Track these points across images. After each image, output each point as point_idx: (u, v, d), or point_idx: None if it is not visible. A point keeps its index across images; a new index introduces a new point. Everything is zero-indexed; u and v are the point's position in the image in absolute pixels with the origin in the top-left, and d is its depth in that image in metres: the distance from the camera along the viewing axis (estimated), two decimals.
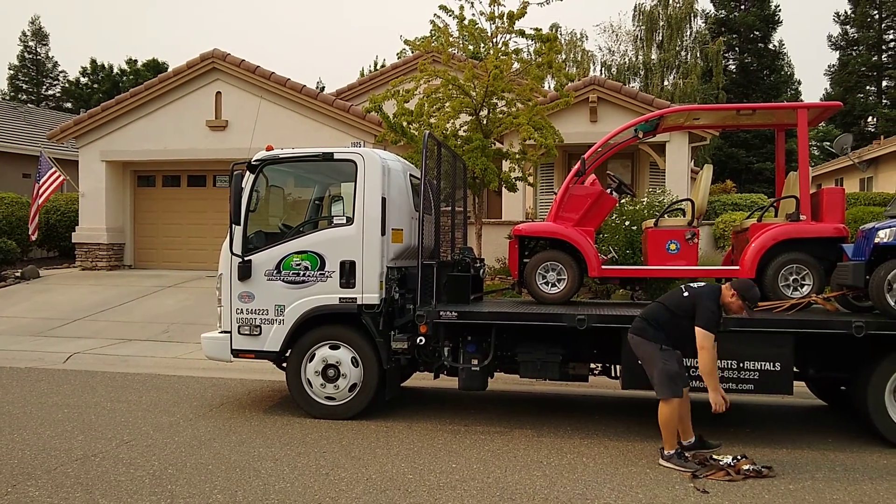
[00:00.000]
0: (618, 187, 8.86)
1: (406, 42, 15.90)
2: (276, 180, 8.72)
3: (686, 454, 6.39)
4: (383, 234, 7.88)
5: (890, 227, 7.04)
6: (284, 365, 8.20)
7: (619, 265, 9.59)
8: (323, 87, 36.48)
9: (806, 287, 7.92)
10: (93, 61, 51.75)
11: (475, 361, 7.74)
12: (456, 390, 8.09)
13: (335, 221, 8.09)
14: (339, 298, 7.85)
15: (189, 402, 8.70)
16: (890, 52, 47.52)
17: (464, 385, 7.82)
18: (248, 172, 8.14)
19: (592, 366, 8.16)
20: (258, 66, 18.40)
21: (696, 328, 6.19)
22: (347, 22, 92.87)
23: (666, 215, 9.05)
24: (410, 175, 8.66)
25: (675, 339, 6.42)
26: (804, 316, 7.38)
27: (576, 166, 8.53)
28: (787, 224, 8.12)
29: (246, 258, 8.03)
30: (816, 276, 7.90)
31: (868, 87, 47.86)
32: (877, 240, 7.05)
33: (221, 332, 8.20)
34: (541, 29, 13.67)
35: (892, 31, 47.63)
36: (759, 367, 7.09)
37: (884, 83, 46.96)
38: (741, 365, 7.08)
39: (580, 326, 7.24)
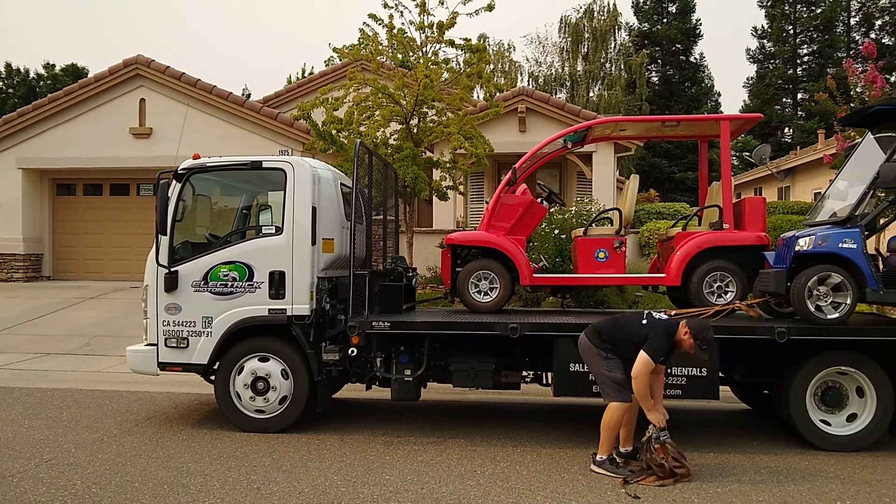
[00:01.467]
0: (548, 196, 8.95)
1: (335, 50, 15.76)
2: (204, 189, 8.54)
3: (618, 460, 6.46)
4: (314, 243, 7.79)
5: (809, 235, 7.27)
6: (213, 378, 8.02)
7: (549, 273, 9.69)
8: (249, 95, 35.96)
9: (730, 294, 8.12)
10: (7, 65, 49.99)
11: (408, 372, 7.69)
12: (389, 401, 8.03)
13: (264, 231, 7.96)
14: (269, 310, 7.72)
15: (113, 418, 8.43)
16: (805, 66, 49.36)
17: (396, 396, 7.77)
18: (174, 181, 7.96)
19: (524, 373, 8.20)
20: (183, 73, 18.07)
21: (641, 351, 6.21)
22: (272, 29, 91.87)
23: (594, 224, 9.18)
24: (341, 184, 8.59)
25: (621, 357, 6.45)
26: (729, 322, 7.56)
27: (507, 176, 8.58)
28: (710, 233, 8.31)
29: (172, 269, 7.84)
30: (739, 283, 8.11)
31: (784, 100, 49.61)
32: (797, 248, 7.27)
33: (147, 345, 7.98)
34: (470, 39, 13.79)
35: (806, 46, 49.50)
36: (686, 374, 7.23)
37: (799, 96, 48.73)
38: (669, 371, 7.19)
39: (513, 335, 7.28)
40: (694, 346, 6.30)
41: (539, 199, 8.82)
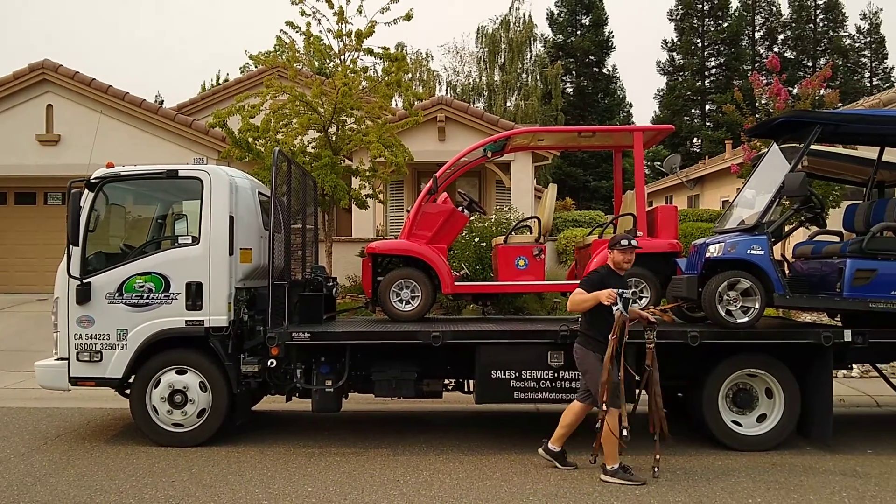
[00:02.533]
0: (468, 205, 9.03)
1: (251, 57, 15.61)
2: (118, 199, 8.29)
3: (631, 468, 6.45)
4: (231, 253, 7.66)
5: (719, 242, 7.53)
6: (128, 392, 7.79)
7: (470, 281, 9.76)
8: (163, 102, 35.09)
9: (644, 300, 8.34)
10: None
11: (329, 382, 7.63)
12: (310, 412, 7.93)
13: (180, 241, 7.79)
14: (186, 321, 7.55)
15: (20, 436, 8.10)
16: (712, 78, 51.14)
17: (317, 407, 7.69)
18: (86, 190, 7.72)
19: (446, 382, 8.22)
20: (94, 79, 17.53)
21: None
22: (187, 34, 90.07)
23: (514, 232, 9.30)
24: (259, 192, 8.47)
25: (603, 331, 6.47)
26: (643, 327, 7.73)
27: (428, 184, 8.63)
28: None
29: (85, 280, 7.59)
30: (653, 288, 8.34)
31: (693, 111, 51.30)
32: (708, 254, 7.52)
33: (58, 360, 7.70)
34: (388, 48, 13.79)
35: (714, 59, 51.34)
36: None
37: (707, 107, 50.45)
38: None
39: (435, 343, 7.29)
40: (621, 252, 6.50)
41: (460, 208, 8.89)
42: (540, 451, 6.75)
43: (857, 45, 50.99)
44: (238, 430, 8.04)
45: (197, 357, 7.64)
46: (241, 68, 35.67)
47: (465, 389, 8.29)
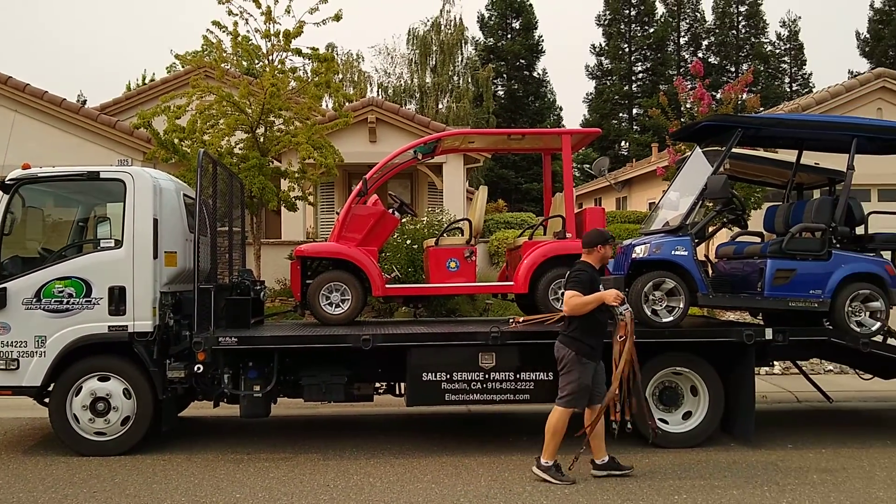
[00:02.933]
0: (399, 207, 8.99)
1: (177, 56, 15.29)
2: (35, 201, 8.03)
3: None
4: (155, 257, 7.47)
5: (644, 243, 7.67)
6: (47, 401, 7.53)
7: (402, 284, 9.73)
8: (85, 101, 34.14)
9: None
10: None
11: (257, 387, 7.50)
12: (238, 418, 7.79)
13: (102, 245, 7.57)
14: (109, 327, 7.35)
15: None
16: (639, 83, 52.15)
17: (246, 412, 7.56)
18: (1, 192, 7.45)
19: (377, 385, 8.18)
20: (10, 77, 16.90)
21: (564, 294, 6.39)
22: (111, 32, 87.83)
23: (445, 234, 9.30)
24: (184, 195, 8.29)
25: (596, 336, 6.49)
26: None
27: (357, 186, 8.57)
28: (555, 241, 8.59)
29: (0, 286, 7.32)
30: None
31: (621, 114, 52.21)
32: (634, 255, 7.65)
33: None
34: (317, 49, 13.65)
35: (640, 63, 52.33)
36: (534, 378, 7.42)
37: (634, 111, 51.41)
38: (518, 376, 7.38)
39: (365, 347, 7.24)
40: (601, 251, 6.56)
41: (391, 210, 8.85)
42: (533, 469, 6.53)
43: (777, 51, 52.66)
44: (164, 437, 7.85)
45: (120, 363, 7.43)
46: (167, 68, 34.96)
47: (397, 392, 8.26)
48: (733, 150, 7.86)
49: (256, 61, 14.11)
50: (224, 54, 13.93)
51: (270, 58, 13.57)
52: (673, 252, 7.45)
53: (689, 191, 8.10)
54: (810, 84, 50.85)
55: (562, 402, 6.41)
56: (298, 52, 13.37)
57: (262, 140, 13.36)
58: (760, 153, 10.19)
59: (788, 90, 50.68)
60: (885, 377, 8.89)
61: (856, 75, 20.50)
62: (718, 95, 14.68)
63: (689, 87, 14.46)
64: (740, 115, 11.62)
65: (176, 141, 12.77)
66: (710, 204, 8.23)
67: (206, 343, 7.25)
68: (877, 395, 10.08)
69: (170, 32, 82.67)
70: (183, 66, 19.63)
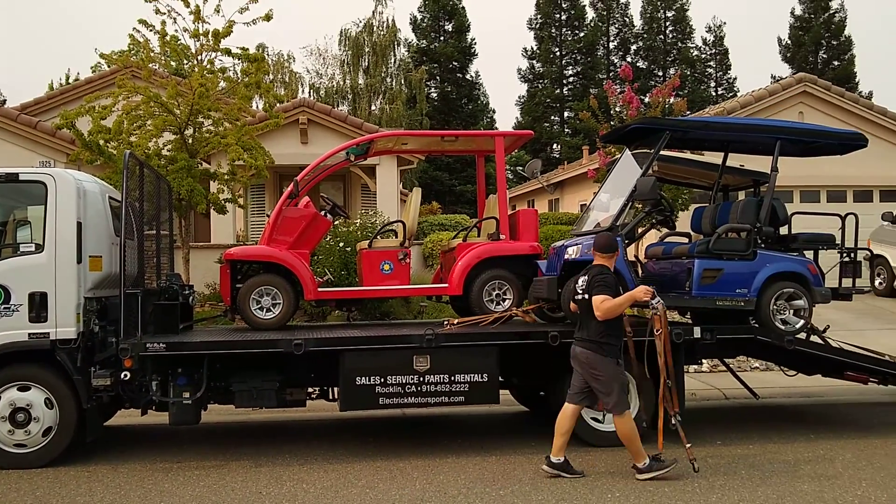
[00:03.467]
0: (331, 209, 8.91)
1: (102, 56, 14.83)
2: None
3: (660, 455, 6.48)
4: (79, 261, 7.23)
5: (577, 244, 7.74)
6: None
7: (335, 287, 9.63)
8: (5, 101, 33.02)
9: (507, 301, 8.49)
10: None
11: (187, 394, 7.31)
12: (167, 426, 7.59)
13: (22, 249, 7.29)
14: (29, 334, 7.08)
15: None
16: (570, 86, 52.82)
17: (175, 420, 7.37)
18: None
19: (310, 390, 8.07)
20: None
21: (593, 299, 6.31)
22: (32, 29, 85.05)
23: (379, 237, 9.25)
24: (110, 197, 8.04)
25: (620, 335, 6.59)
26: (507, 328, 7.88)
27: (289, 188, 8.45)
28: (489, 243, 8.63)
29: None
30: (515, 290, 8.51)
31: (553, 117, 52.79)
32: (567, 256, 7.72)
33: None
34: (247, 49, 13.42)
35: (571, 67, 53.00)
36: (468, 380, 7.40)
37: (566, 114, 52.04)
38: (452, 378, 7.36)
39: (297, 351, 7.12)
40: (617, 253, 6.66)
41: (322, 212, 8.76)
42: (543, 467, 6.54)
43: (703, 56, 53.95)
44: (89, 447, 7.59)
45: (42, 372, 7.16)
46: (92, 67, 34.01)
47: (331, 397, 8.16)
48: (662, 152, 7.99)
49: (185, 61, 13.81)
50: (151, 54, 13.61)
51: (199, 58, 13.30)
52: None
53: (619, 192, 8.20)
54: (735, 88, 52.25)
55: (618, 409, 6.46)
56: (228, 52, 13.13)
57: (190, 141, 13.10)
58: (688, 155, 10.40)
59: (714, 94, 51.97)
60: (809, 373, 9.17)
61: (778, 80, 21.17)
62: (647, 99, 14.94)
63: (618, 90, 14.68)
64: (668, 118, 11.83)
65: (101, 142, 12.41)
66: (640, 205, 8.36)
67: (132, 349, 7.03)
68: (800, 391, 10.40)
69: (95, 30, 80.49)
70: (108, 66, 19.10)
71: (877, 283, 16.00)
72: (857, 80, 46.05)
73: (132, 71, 14.84)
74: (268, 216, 8.99)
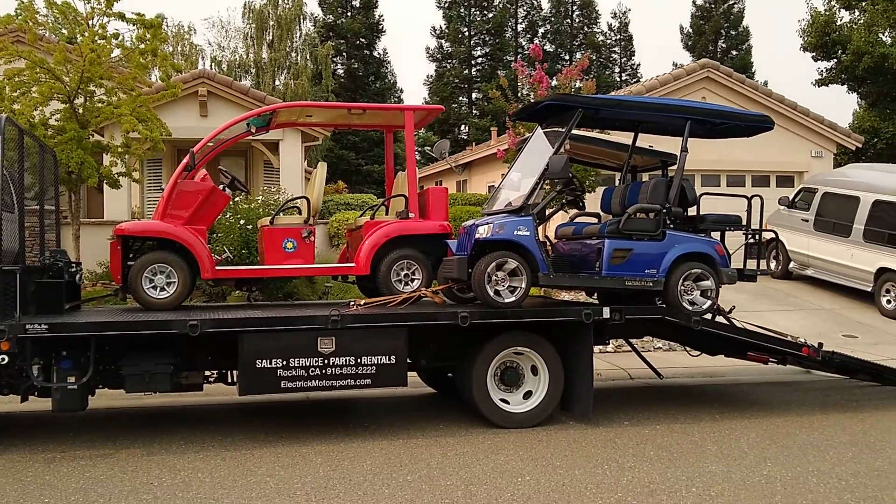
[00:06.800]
0: (231, 183, 8.48)
1: None
2: None
3: None
4: None
5: (488, 223, 7.56)
6: None
7: (234, 265, 9.21)
8: None
9: (416, 281, 8.28)
10: None
11: (72, 379, 6.78)
12: (50, 413, 7.06)
13: None
14: None
15: None
16: (478, 67, 52.83)
17: (59, 406, 6.84)
18: None
19: (207, 373, 7.66)
20: None
21: None
22: None
23: (282, 213, 8.86)
24: None
25: None
26: (415, 309, 7.65)
27: (184, 160, 7.99)
28: (398, 221, 8.38)
29: None
30: (425, 270, 8.30)
31: (461, 98, 52.77)
32: (477, 235, 7.53)
33: None
34: (143, 15, 12.71)
35: (480, 48, 52.99)
36: (375, 362, 7.13)
37: (474, 95, 52.06)
38: (359, 361, 7.07)
39: (192, 333, 6.69)
40: None
41: (221, 186, 8.32)
42: None
43: (608, 41, 54.83)
44: None
45: None
46: None
47: (229, 381, 7.77)
48: (573, 131, 7.88)
49: (76, 27, 12.97)
50: (37, 17, 12.75)
51: (90, 22, 12.52)
52: (515, 232, 7.38)
53: (530, 171, 8.07)
54: (638, 74, 53.42)
55: None
56: (122, 17, 12.39)
57: (81, 111, 12.35)
58: (597, 135, 10.36)
59: (618, 80, 52.91)
60: (712, 353, 9.30)
61: (681, 66, 21.52)
62: (554, 82, 14.89)
63: (528, 71, 14.59)
64: (581, 95, 11.78)
65: None
66: (548, 186, 8.25)
67: (10, 331, 6.43)
68: (702, 370, 10.55)
69: None
70: None
71: (772, 265, 16.47)
72: (753, 69, 47.64)
73: (17, 35, 13.90)
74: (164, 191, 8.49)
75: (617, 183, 9.33)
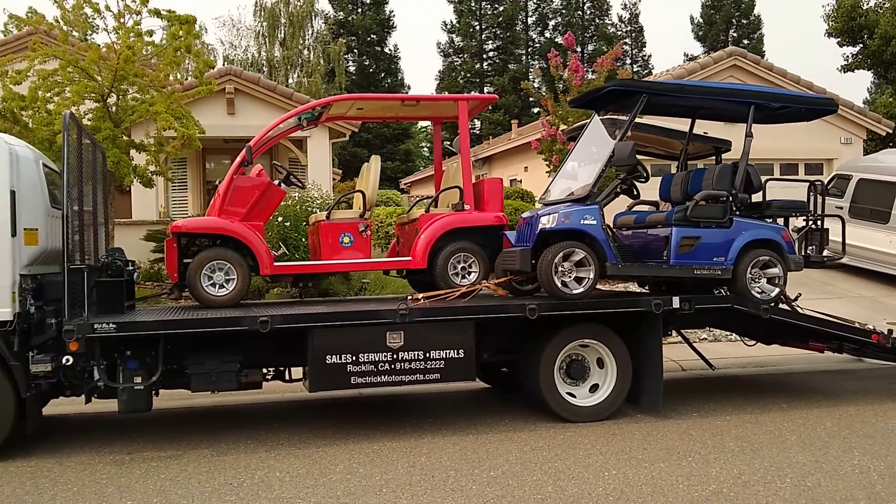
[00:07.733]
0: (286, 178, 8.36)
1: (11, 17, 13.68)
2: None
3: None
4: (14, 234, 6.46)
5: (551, 213, 7.41)
6: None
7: (289, 262, 9.09)
8: None
9: (473, 274, 8.14)
10: None
11: (138, 379, 6.68)
12: (104, 414, 6.90)
13: None
14: None
15: None
16: (489, 61, 52.56)
17: (126, 407, 6.69)
18: None
19: (265, 371, 7.51)
20: None
21: None
22: None
23: (336, 207, 8.73)
24: (44, 165, 7.28)
25: None
26: (481, 302, 7.51)
27: (241, 155, 7.86)
28: (453, 214, 8.25)
29: None
30: (482, 263, 8.17)
31: (472, 92, 52.38)
32: (541, 226, 7.38)
33: None
34: (175, 11, 12.57)
35: (491, 42, 52.71)
36: (444, 356, 7.01)
37: (486, 89, 51.75)
38: (427, 355, 6.95)
39: (263, 329, 6.57)
40: None
41: (277, 182, 8.20)
42: None
43: (619, 33, 54.51)
44: (29, 439, 6.90)
45: None
46: (2, 30, 31.90)
47: (287, 378, 7.66)
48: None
49: (107, 23, 12.82)
50: (67, 13, 12.61)
51: (123, 19, 12.39)
52: (582, 221, 7.23)
53: (589, 159, 7.95)
54: (650, 66, 53.11)
55: None
56: (157, 14, 12.26)
57: (114, 110, 12.23)
58: (653, 122, 10.18)
59: (631, 72, 52.59)
60: (768, 343, 9.14)
61: (692, 58, 21.33)
62: (590, 74, 14.75)
63: (560, 61, 14.43)
64: (644, 80, 11.60)
65: (16, 110, 11.45)
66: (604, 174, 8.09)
67: (79, 331, 6.31)
68: (753, 360, 10.39)
69: None
70: (18, 29, 17.76)
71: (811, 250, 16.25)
72: (765, 58, 47.24)
73: (46, 34, 13.78)
74: (216, 187, 8.37)
75: (673, 170, 9.14)
